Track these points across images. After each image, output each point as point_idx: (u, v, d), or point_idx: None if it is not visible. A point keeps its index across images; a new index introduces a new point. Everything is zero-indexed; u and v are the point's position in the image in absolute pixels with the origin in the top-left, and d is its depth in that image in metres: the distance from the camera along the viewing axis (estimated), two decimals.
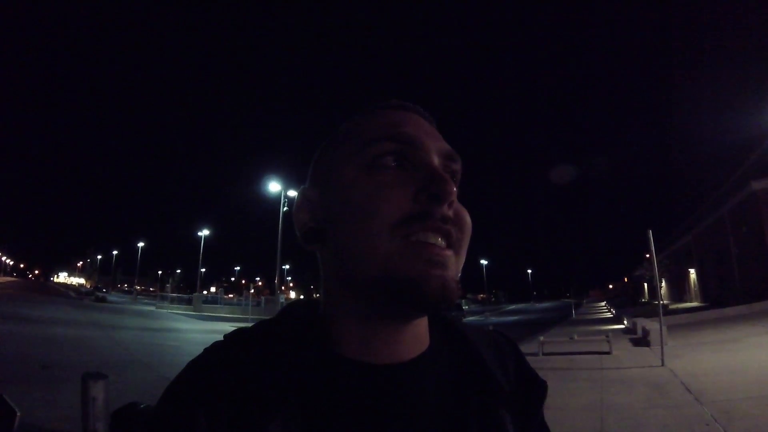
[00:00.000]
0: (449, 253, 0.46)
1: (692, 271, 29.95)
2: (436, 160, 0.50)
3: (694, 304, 25.97)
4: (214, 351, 0.47)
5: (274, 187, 25.28)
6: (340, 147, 0.53)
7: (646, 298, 43.05)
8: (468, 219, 0.50)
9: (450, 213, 0.47)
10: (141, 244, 66.99)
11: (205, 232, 47.56)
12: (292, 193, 22.89)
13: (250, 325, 0.51)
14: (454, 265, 0.47)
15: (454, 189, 0.47)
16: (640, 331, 13.88)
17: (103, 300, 37.74)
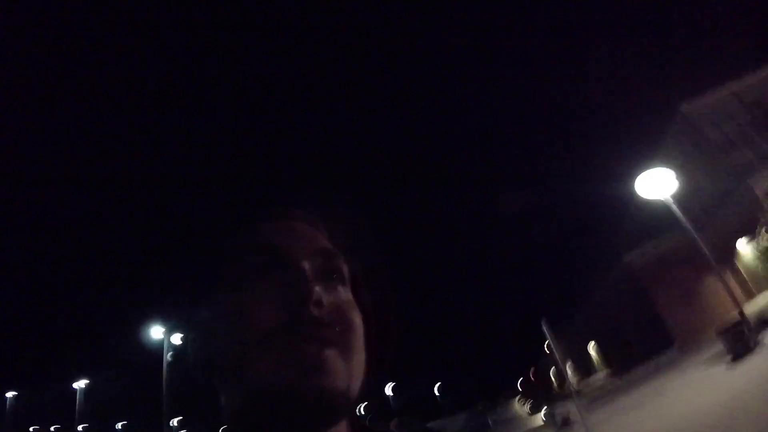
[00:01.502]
0: (330, 354, 0.42)
1: (592, 343, 31.87)
2: (306, 263, 0.47)
3: (600, 374, 27.45)
4: None
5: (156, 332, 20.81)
6: (212, 269, 0.51)
7: (556, 388, 44.12)
8: (352, 315, 0.46)
9: (319, 313, 0.43)
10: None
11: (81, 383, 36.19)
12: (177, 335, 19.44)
13: None
14: (343, 370, 0.42)
15: (317, 288, 0.44)
16: (559, 420, 14.40)
17: None
